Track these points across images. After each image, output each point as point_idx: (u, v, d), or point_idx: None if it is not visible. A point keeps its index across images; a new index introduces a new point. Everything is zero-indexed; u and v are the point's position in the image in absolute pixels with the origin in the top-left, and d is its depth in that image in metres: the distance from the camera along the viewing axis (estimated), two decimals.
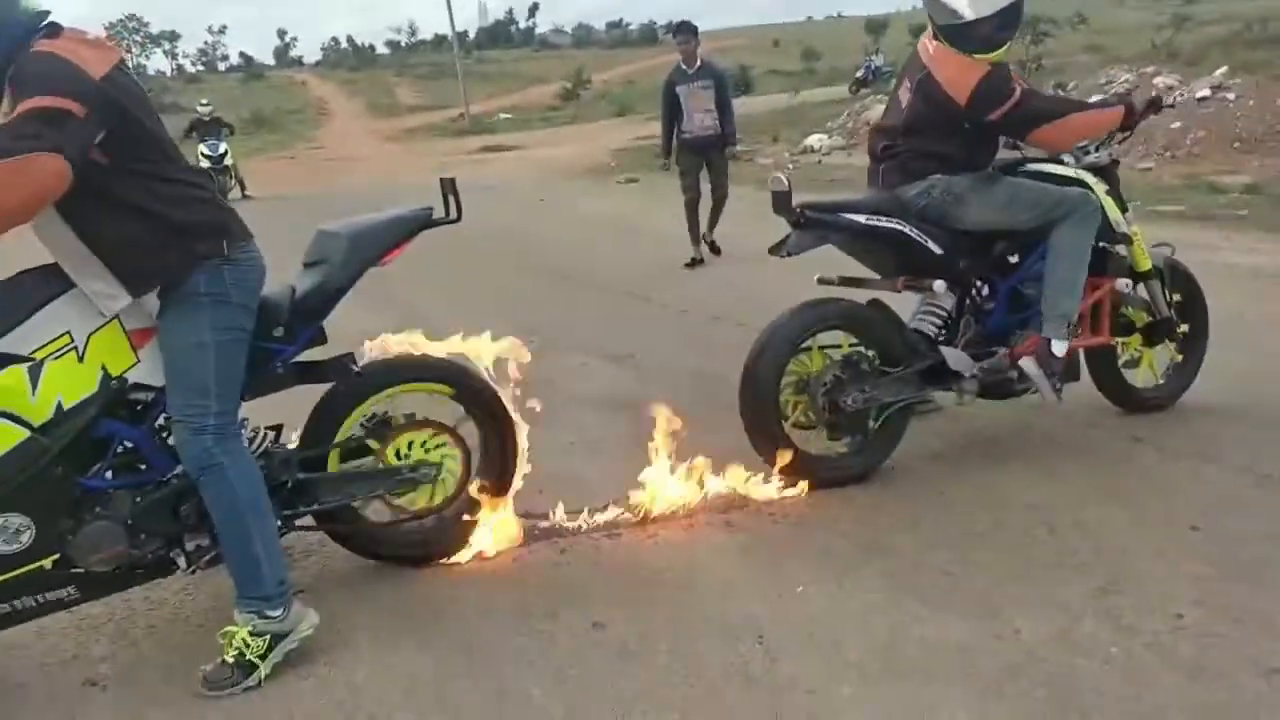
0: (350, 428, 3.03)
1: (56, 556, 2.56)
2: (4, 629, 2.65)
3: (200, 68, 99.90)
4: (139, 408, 2.66)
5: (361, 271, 2.88)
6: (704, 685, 2.45)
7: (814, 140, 18.73)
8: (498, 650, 2.68)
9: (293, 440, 3.00)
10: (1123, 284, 3.87)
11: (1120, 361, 4.12)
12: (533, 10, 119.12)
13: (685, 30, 8.53)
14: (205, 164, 16.48)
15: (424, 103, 51.69)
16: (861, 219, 3.54)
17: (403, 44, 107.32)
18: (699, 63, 8.32)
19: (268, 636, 2.57)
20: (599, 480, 3.60)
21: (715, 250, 8.41)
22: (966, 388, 3.69)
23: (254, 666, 2.55)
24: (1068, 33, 37.66)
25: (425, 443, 3.06)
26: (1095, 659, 2.44)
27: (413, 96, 56.36)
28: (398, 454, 3.03)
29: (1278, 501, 3.24)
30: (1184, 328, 4.19)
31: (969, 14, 3.43)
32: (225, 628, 2.60)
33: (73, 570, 2.59)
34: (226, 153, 16.97)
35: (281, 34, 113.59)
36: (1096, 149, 3.89)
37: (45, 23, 2.39)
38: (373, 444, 3.02)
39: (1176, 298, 4.18)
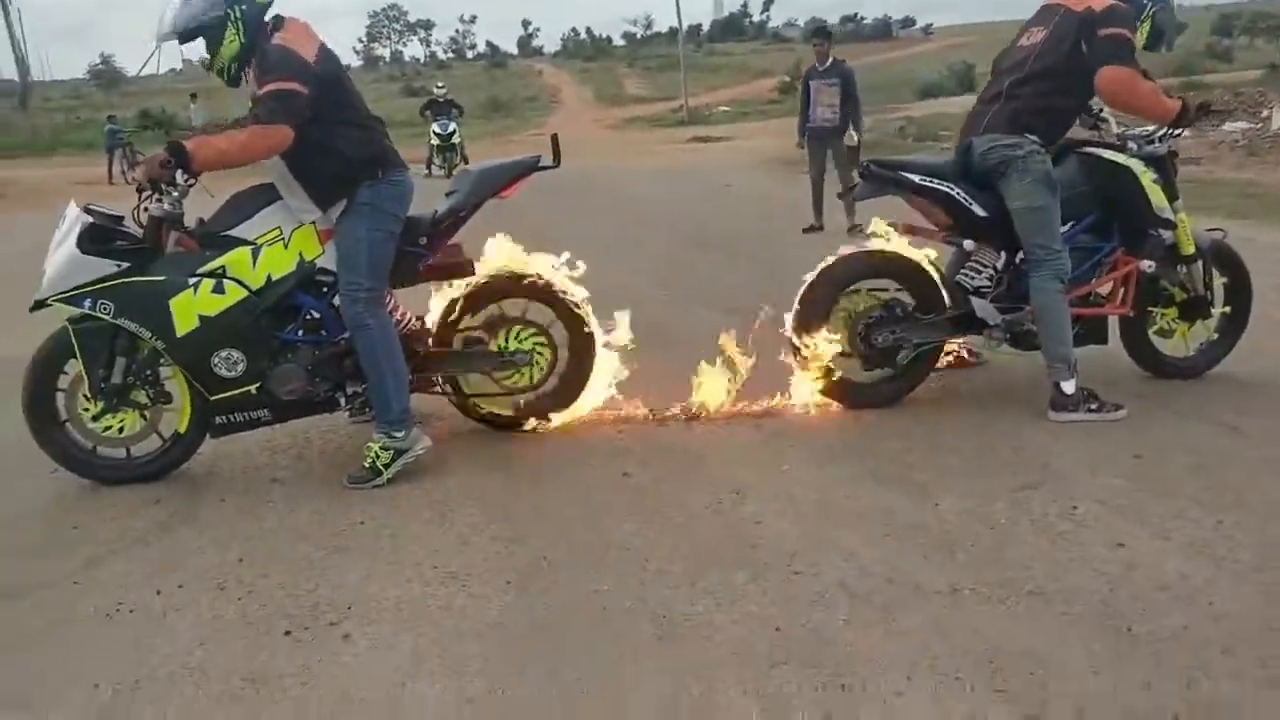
0: (472, 319, 4.07)
1: (259, 385, 3.73)
2: (220, 436, 3.87)
3: (450, 55, 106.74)
4: (324, 289, 3.80)
5: (483, 200, 3.91)
6: (684, 513, 3.33)
7: None
8: (550, 481, 3.67)
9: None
10: (1146, 265, 4.28)
11: (1153, 329, 4.56)
12: (767, 4, 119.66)
13: (819, 35, 10.09)
14: (436, 141, 18.48)
15: (649, 94, 53.50)
16: (915, 178, 4.19)
17: (638, 36, 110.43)
18: (829, 62, 9.53)
19: (392, 451, 3.67)
20: (671, 388, 4.43)
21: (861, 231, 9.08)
22: (993, 336, 4.31)
23: (380, 471, 3.64)
24: None
25: (524, 336, 4.07)
26: (985, 525, 3.14)
27: (639, 87, 58.41)
28: (504, 342, 4.05)
29: (1229, 446, 3.71)
30: (1226, 308, 4.59)
31: None
32: (366, 443, 3.71)
33: (269, 396, 3.75)
34: (455, 132, 18.86)
35: (525, 24, 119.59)
36: (1160, 139, 4.29)
37: (273, 15, 3.54)
38: (485, 333, 4.05)
39: (1224, 280, 4.59)
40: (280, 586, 2.97)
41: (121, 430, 3.82)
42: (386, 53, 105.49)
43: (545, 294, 4.09)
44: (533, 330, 4.08)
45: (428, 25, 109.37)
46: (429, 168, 18.28)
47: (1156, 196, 4.22)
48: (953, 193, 4.16)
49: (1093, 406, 4.06)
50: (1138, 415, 4.06)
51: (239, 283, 3.61)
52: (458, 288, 4.07)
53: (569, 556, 3.07)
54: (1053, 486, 3.41)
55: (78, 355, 3.67)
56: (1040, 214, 4.07)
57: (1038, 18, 4.23)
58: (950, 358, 4.79)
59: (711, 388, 4.33)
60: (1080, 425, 3.98)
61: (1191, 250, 4.40)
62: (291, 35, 3.55)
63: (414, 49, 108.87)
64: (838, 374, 4.28)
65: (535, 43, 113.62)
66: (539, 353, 4.09)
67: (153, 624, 2.80)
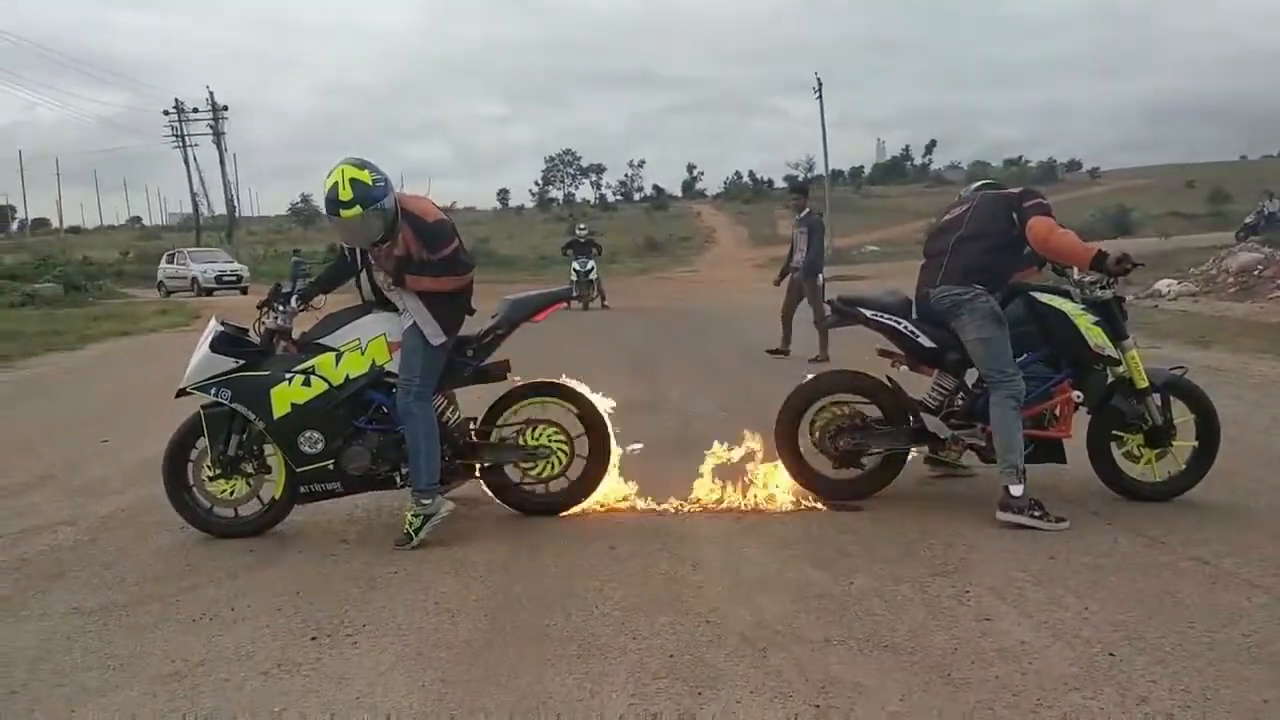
0: (507, 418, 5.01)
1: (333, 462, 4.74)
2: (304, 503, 4.89)
3: (619, 198, 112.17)
4: (391, 388, 4.81)
5: (518, 323, 4.90)
6: (644, 577, 4.09)
7: (1163, 285, 18.63)
8: (550, 549, 4.50)
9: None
10: (1076, 395, 4.88)
11: (1121, 451, 5.05)
12: (929, 147, 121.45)
13: (794, 190, 12.28)
14: (574, 277, 20.01)
15: None
16: (868, 313, 5.00)
17: (800, 179, 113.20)
18: (804, 213, 11.30)
19: (422, 517, 4.60)
20: (672, 483, 5.25)
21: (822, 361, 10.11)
22: (950, 448, 4.95)
23: (412, 536, 4.57)
24: None
25: (548, 434, 4.96)
26: (883, 599, 3.76)
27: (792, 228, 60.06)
28: (530, 438, 4.96)
29: (1139, 554, 4.19)
30: (1195, 442, 5.03)
31: None
32: (403, 511, 4.66)
33: (340, 471, 4.76)
34: (593, 269, 20.37)
35: (690, 168, 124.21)
36: (1104, 287, 4.90)
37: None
38: (517, 431, 4.98)
39: (1191, 415, 5.04)
40: (320, 610, 3.89)
41: (232, 494, 4.88)
42: (561, 195, 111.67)
43: (571, 397, 5.00)
44: (554, 429, 4.98)
45: (599, 169, 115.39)
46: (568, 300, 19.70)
47: (1095, 336, 4.81)
48: (899, 326, 4.92)
49: (1036, 514, 4.59)
50: (1079, 527, 4.55)
51: (323, 379, 4.67)
52: (497, 391, 5.03)
53: (539, 600, 3.87)
54: (960, 575, 3.99)
55: (204, 433, 4.79)
56: (991, 344, 4.75)
57: (960, 201, 5.12)
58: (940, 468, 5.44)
59: (706, 486, 5.11)
60: (1015, 531, 4.51)
61: (1145, 384, 4.92)
62: (424, 206, 4.61)
63: (585, 191, 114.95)
64: (813, 474, 5.00)
65: (699, 185, 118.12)
66: (560, 449, 4.97)
67: (223, 628, 3.76)
